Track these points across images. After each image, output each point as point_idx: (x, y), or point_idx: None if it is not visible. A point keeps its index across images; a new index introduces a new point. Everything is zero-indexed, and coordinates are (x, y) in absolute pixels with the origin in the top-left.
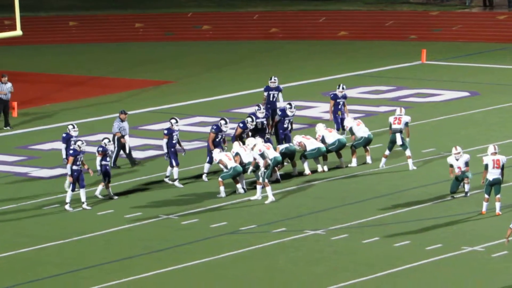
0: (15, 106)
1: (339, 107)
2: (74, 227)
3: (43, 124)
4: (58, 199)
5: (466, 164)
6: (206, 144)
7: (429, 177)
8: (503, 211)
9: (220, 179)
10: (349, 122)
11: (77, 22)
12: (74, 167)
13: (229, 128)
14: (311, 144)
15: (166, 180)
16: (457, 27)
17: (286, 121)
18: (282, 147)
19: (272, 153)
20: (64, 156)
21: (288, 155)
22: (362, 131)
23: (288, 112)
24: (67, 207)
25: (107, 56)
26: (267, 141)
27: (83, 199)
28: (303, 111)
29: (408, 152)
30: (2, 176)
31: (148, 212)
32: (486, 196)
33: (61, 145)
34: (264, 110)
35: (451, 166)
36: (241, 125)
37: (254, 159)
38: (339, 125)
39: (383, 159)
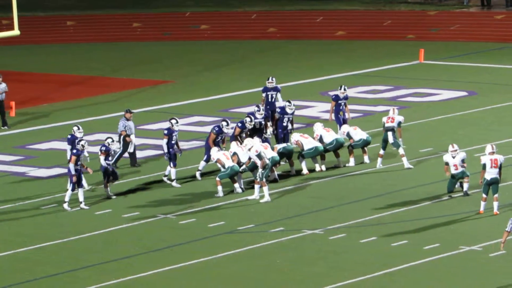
0: (13, 105)
1: (341, 108)
2: (72, 226)
3: (41, 124)
4: (56, 199)
5: (463, 161)
6: (204, 144)
7: (427, 176)
8: (500, 211)
9: (217, 178)
10: (345, 127)
11: (75, 22)
12: (76, 167)
13: (230, 129)
14: (309, 143)
15: (165, 179)
16: (455, 27)
17: (286, 119)
18: (279, 146)
19: (270, 153)
20: (68, 157)
21: (285, 154)
22: (359, 134)
23: (288, 110)
24: (65, 205)
25: (105, 55)
26: (264, 140)
27: (81, 199)
28: (301, 110)
29: (401, 151)
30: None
31: (146, 212)
32: (484, 195)
33: (61, 145)
34: (264, 111)
35: (447, 164)
36: (239, 124)
37: (249, 158)
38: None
39: (379, 159)
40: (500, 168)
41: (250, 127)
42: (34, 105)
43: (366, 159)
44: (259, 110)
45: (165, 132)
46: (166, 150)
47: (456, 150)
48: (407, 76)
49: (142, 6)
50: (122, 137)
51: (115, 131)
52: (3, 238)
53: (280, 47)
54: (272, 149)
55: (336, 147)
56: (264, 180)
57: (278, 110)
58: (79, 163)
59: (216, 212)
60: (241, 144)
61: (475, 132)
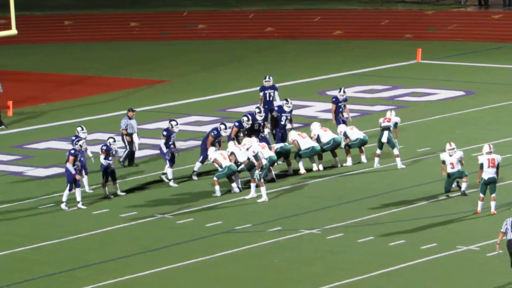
0: (10, 105)
1: (340, 110)
2: (70, 226)
3: (38, 123)
4: (54, 198)
5: (459, 161)
6: (200, 143)
7: (424, 176)
8: (498, 210)
9: (215, 178)
10: (342, 127)
11: (72, 21)
12: (73, 167)
13: (229, 132)
14: (306, 143)
15: (163, 177)
16: (452, 26)
17: (284, 118)
18: (277, 146)
19: (267, 153)
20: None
21: (283, 154)
22: (356, 133)
23: (285, 108)
24: (63, 206)
25: (102, 55)
26: (262, 140)
27: (79, 198)
28: (298, 110)
29: (396, 151)
30: None
31: (144, 212)
32: (481, 195)
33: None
34: (264, 113)
35: (444, 162)
36: (237, 124)
37: (248, 158)
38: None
39: (376, 159)
40: (497, 168)
41: (248, 126)
42: (32, 105)
43: (363, 158)
44: (260, 112)
45: (164, 133)
46: (165, 151)
47: (453, 149)
48: (404, 75)
49: (140, 6)
50: (123, 135)
51: (113, 131)
52: (0, 238)
53: (277, 46)
54: (270, 148)
55: (334, 146)
56: (261, 180)
57: (275, 108)
58: (76, 163)
59: (213, 212)
60: (238, 143)
61: (472, 132)
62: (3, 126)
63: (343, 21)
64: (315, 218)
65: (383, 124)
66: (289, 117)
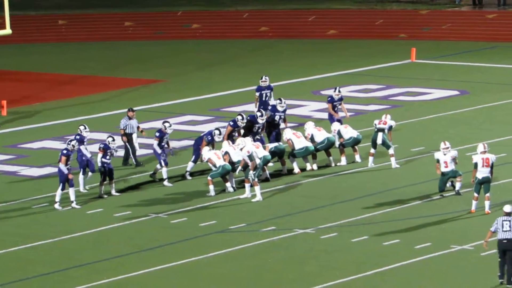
0: (5, 104)
1: (335, 109)
2: (64, 226)
3: (33, 122)
4: (47, 198)
5: (453, 160)
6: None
7: (418, 175)
8: (492, 210)
9: (209, 177)
10: (336, 125)
11: (66, 21)
12: (66, 166)
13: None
14: (300, 143)
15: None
16: (446, 26)
17: (277, 117)
18: (271, 146)
19: (262, 152)
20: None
21: (277, 154)
22: (350, 132)
23: (279, 107)
24: (56, 206)
25: (96, 54)
26: (256, 140)
27: (72, 198)
28: (293, 109)
29: (391, 151)
30: None
31: (137, 211)
32: (476, 194)
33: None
34: (265, 117)
35: (438, 161)
36: (231, 123)
37: (244, 158)
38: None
39: (371, 158)
40: (491, 167)
41: (243, 125)
42: (26, 104)
43: (357, 158)
44: (261, 116)
45: (157, 134)
46: (159, 152)
47: (447, 148)
48: (399, 75)
49: (134, 5)
50: (121, 135)
51: (108, 130)
52: None
53: (272, 46)
54: (264, 148)
55: (328, 146)
56: (255, 179)
57: (269, 108)
58: (68, 163)
59: (207, 211)
60: (233, 143)
61: (466, 131)
62: None
63: (337, 20)
64: (309, 217)
65: (378, 126)
66: (282, 117)
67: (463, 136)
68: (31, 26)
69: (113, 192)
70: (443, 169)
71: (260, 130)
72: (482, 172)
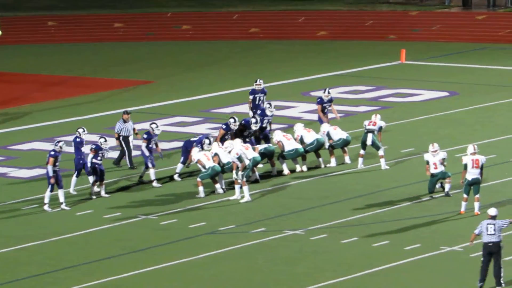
0: None
1: (325, 111)
2: (53, 227)
3: (22, 124)
4: (37, 200)
5: (443, 161)
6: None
7: (408, 177)
8: (481, 211)
9: (198, 179)
10: (325, 127)
11: (56, 22)
12: (54, 168)
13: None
14: (290, 145)
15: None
16: (436, 27)
17: (265, 121)
18: (261, 147)
19: (251, 153)
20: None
21: (267, 155)
22: (339, 134)
23: (268, 112)
24: (46, 207)
25: (86, 56)
26: (246, 141)
27: (62, 199)
28: (282, 111)
29: (381, 152)
30: None
31: (127, 212)
32: (465, 195)
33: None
34: (260, 124)
35: (427, 163)
36: (224, 126)
37: (233, 161)
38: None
39: (360, 159)
40: (481, 169)
41: (235, 128)
42: (15, 106)
43: (347, 159)
44: (256, 123)
45: (145, 136)
46: (147, 154)
47: (436, 151)
48: (388, 76)
49: (124, 6)
50: (121, 138)
51: (98, 131)
52: None
53: (262, 47)
54: (254, 149)
55: (317, 147)
56: (244, 179)
57: (258, 112)
58: (57, 164)
59: (197, 213)
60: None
61: (456, 133)
62: None
63: (327, 21)
64: (299, 219)
65: (367, 127)
66: (270, 120)
67: (453, 137)
68: (21, 27)
69: (103, 193)
70: (433, 171)
71: (251, 135)
72: (472, 174)
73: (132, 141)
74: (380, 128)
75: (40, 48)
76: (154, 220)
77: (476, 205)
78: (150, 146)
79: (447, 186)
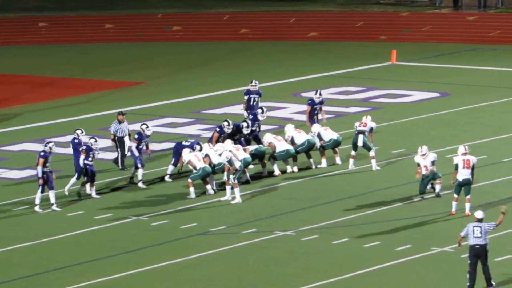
0: None
1: (316, 112)
2: (44, 228)
3: (13, 125)
4: (28, 200)
5: (433, 163)
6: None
7: (399, 177)
8: (472, 212)
9: (189, 180)
10: (316, 128)
11: (46, 23)
12: (44, 169)
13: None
14: (281, 146)
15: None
16: (427, 28)
17: (256, 124)
18: (252, 148)
19: (242, 154)
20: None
21: (258, 156)
22: (330, 134)
23: (259, 117)
24: (36, 208)
25: (77, 57)
26: (237, 142)
27: (53, 200)
28: (273, 112)
29: (372, 153)
30: None
31: (118, 213)
32: (455, 196)
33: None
34: (251, 128)
35: (419, 165)
36: (218, 129)
37: (224, 164)
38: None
39: (351, 160)
40: (472, 169)
41: (229, 131)
42: (6, 107)
43: (338, 160)
44: (247, 127)
45: (136, 136)
46: (137, 155)
47: (425, 154)
48: (379, 77)
49: (115, 7)
50: (115, 139)
51: (89, 133)
52: None
53: (252, 48)
54: (244, 150)
55: (308, 148)
56: (235, 181)
57: (250, 117)
58: (47, 165)
59: (188, 214)
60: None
61: (447, 133)
62: None
63: (318, 22)
64: (290, 219)
65: (358, 128)
66: (260, 123)
67: (444, 138)
68: (10, 28)
69: (94, 194)
70: (424, 172)
71: (242, 139)
72: (463, 174)
73: (128, 142)
74: (371, 129)
75: (31, 49)
76: (145, 221)
77: (467, 205)
78: (140, 147)
79: (437, 187)
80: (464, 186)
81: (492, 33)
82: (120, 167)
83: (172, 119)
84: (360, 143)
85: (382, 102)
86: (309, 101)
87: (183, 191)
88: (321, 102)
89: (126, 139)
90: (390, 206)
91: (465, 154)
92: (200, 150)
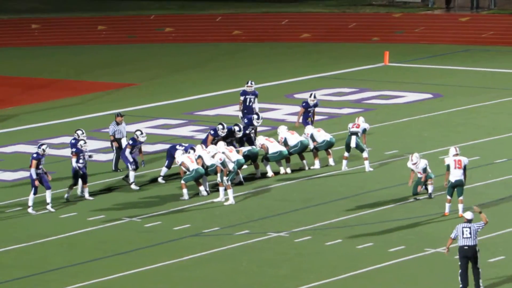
0: None
1: (309, 114)
2: (37, 229)
3: (6, 127)
4: (21, 202)
5: (424, 170)
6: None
7: (392, 178)
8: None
9: (182, 181)
10: (309, 129)
11: (39, 25)
12: (37, 171)
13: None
14: (274, 147)
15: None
16: (419, 29)
17: (250, 128)
18: (245, 149)
19: (235, 156)
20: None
21: (251, 157)
22: (323, 136)
23: (254, 122)
24: (30, 210)
25: (70, 58)
26: (230, 144)
27: (49, 200)
28: (266, 113)
29: (365, 154)
30: None
31: (111, 215)
32: (448, 197)
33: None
34: (242, 131)
35: (412, 170)
36: (212, 132)
37: (217, 166)
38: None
39: (344, 161)
40: (464, 170)
41: (223, 134)
42: None
43: (331, 161)
44: (239, 130)
45: (130, 142)
46: (131, 160)
47: (416, 163)
48: (372, 78)
49: (107, 9)
50: (111, 141)
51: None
52: None
53: (245, 49)
54: (237, 152)
55: (301, 149)
56: (228, 183)
57: (245, 120)
58: (40, 167)
59: (181, 215)
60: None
61: (440, 134)
62: None
63: (310, 24)
64: (283, 221)
65: (351, 129)
66: (255, 129)
67: (436, 139)
68: (4, 30)
69: (87, 196)
70: (419, 176)
71: (234, 141)
72: (455, 175)
73: (124, 145)
74: (364, 130)
75: (24, 51)
76: (138, 223)
77: (460, 207)
78: (133, 153)
79: (430, 188)
80: (456, 187)
81: (485, 34)
82: (114, 168)
83: (165, 120)
84: (353, 144)
85: (375, 103)
86: (304, 104)
87: (176, 192)
88: (315, 105)
89: (124, 140)
90: (383, 207)
91: (456, 155)
92: (194, 153)
